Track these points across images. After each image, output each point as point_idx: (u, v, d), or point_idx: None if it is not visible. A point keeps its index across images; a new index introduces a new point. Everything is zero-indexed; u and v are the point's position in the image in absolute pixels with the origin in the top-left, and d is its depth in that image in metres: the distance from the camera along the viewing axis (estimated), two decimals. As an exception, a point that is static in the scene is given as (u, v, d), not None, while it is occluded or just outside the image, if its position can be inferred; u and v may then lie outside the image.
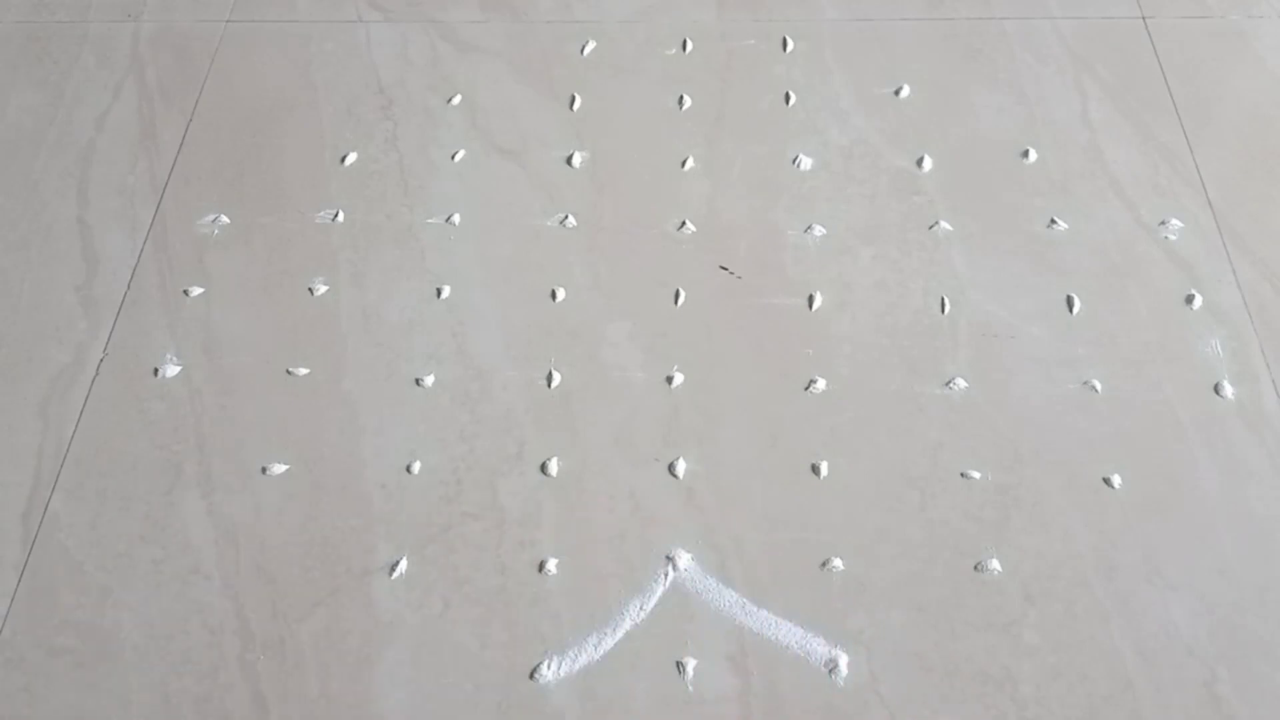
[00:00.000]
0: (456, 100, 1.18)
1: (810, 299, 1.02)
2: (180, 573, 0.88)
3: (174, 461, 0.93)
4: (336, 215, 1.09)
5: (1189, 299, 1.01)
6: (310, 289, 1.04)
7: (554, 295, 1.03)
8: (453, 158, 1.13)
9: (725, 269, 1.04)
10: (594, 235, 1.07)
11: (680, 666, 0.82)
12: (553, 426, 0.94)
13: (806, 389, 0.96)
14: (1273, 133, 1.13)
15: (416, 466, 0.93)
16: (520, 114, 1.16)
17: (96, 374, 0.99)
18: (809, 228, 1.06)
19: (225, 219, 1.09)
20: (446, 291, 1.03)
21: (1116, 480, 0.90)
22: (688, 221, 1.07)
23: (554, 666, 0.83)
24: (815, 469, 0.92)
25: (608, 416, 0.95)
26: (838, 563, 0.87)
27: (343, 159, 1.13)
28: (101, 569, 0.88)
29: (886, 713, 0.80)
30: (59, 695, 0.82)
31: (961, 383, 0.96)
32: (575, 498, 0.91)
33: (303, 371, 0.98)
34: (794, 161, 1.12)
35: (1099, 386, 0.96)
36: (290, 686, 0.82)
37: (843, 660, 0.82)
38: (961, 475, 0.91)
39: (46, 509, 0.91)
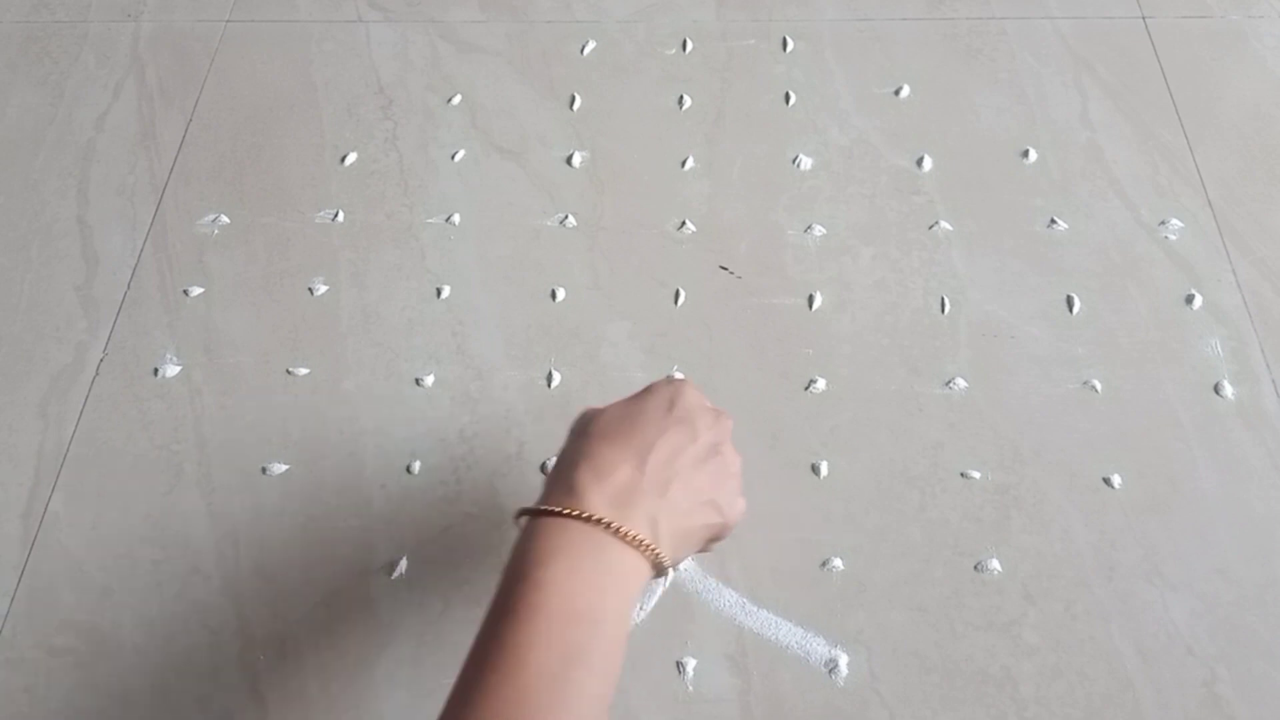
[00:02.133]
0: (456, 100, 1.18)
1: (810, 299, 1.02)
2: (180, 573, 0.88)
3: (174, 461, 0.93)
4: (336, 215, 1.09)
5: (1189, 299, 1.01)
6: (310, 289, 1.04)
7: (554, 295, 1.03)
8: (453, 158, 1.13)
9: (725, 269, 1.04)
10: (594, 235, 1.07)
11: (680, 666, 0.82)
12: (553, 427, 0.94)
13: (806, 389, 0.96)
14: (1273, 133, 1.13)
15: (416, 466, 0.92)
16: (520, 114, 1.16)
17: (96, 374, 0.99)
18: (809, 227, 1.06)
19: (225, 219, 1.09)
20: (446, 291, 1.03)
21: (1116, 480, 0.90)
22: (688, 221, 1.07)
23: (554, 666, 0.82)
24: (815, 469, 0.92)
25: (608, 416, 0.95)
26: (838, 563, 0.87)
27: (343, 159, 1.13)
28: (101, 569, 0.88)
29: (886, 713, 0.80)
30: (59, 695, 0.82)
31: (961, 382, 0.96)
32: (575, 498, 0.91)
33: (303, 371, 0.98)
34: (794, 161, 1.12)
35: (1099, 386, 0.96)
36: (290, 686, 0.82)
37: (843, 660, 0.82)
38: (961, 475, 0.91)
39: (46, 509, 0.91)
